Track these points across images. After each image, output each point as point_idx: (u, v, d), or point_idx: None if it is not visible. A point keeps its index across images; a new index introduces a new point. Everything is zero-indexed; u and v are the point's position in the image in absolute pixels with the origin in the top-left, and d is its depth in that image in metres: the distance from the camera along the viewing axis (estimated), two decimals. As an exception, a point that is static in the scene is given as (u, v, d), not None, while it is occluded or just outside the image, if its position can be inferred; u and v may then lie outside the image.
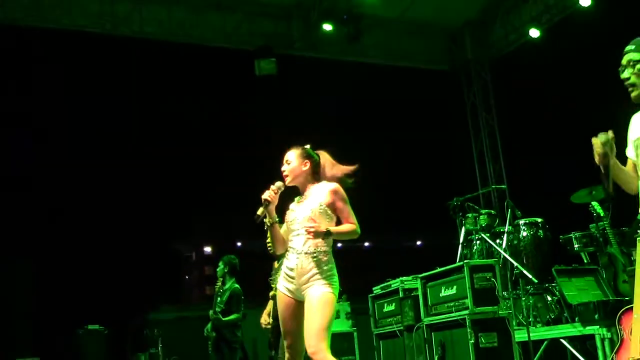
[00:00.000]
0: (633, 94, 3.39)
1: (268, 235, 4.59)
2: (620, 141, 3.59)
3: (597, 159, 3.45)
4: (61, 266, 11.37)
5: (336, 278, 4.31)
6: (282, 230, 4.52)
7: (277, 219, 4.47)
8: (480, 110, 12.76)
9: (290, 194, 4.58)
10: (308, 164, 4.51)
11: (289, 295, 4.36)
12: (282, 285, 4.40)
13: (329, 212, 4.35)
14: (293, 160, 4.51)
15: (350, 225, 4.33)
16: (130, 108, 11.40)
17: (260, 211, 4.38)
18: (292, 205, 4.54)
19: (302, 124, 10.53)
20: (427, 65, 12.79)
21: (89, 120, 11.35)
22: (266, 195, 4.41)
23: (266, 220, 4.42)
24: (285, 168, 4.51)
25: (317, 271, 4.25)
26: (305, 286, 4.26)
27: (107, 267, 12.10)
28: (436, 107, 12.40)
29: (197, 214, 13.55)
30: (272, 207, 4.46)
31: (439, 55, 12.80)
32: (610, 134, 3.41)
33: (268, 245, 6.66)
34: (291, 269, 4.34)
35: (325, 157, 4.61)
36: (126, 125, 11.60)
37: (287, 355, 4.43)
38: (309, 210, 4.34)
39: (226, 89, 11.63)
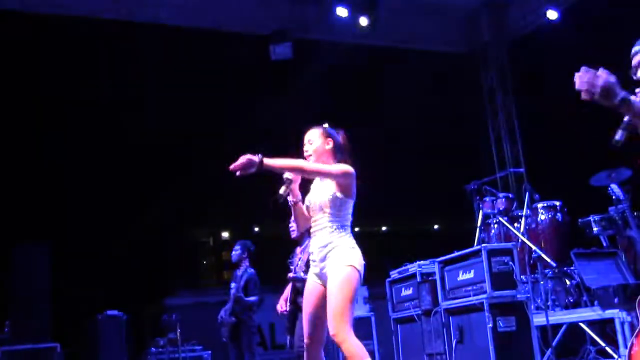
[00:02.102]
0: None
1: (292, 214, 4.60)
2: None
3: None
4: (79, 252, 11.43)
5: (356, 251, 4.30)
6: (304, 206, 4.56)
7: (299, 198, 4.50)
8: (498, 92, 12.67)
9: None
10: (331, 143, 4.51)
11: (316, 280, 4.41)
12: (310, 273, 4.48)
13: (340, 195, 4.34)
14: (315, 140, 4.51)
15: (307, 161, 4.36)
16: (144, 95, 11.39)
17: (282, 190, 4.40)
18: (312, 186, 4.57)
19: (317, 108, 10.48)
20: (443, 48, 12.70)
21: (103, 106, 11.35)
22: (287, 173, 4.42)
23: (289, 198, 4.45)
24: (308, 148, 4.51)
25: (334, 245, 4.27)
26: (325, 262, 4.30)
27: (125, 253, 12.14)
28: (453, 90, 12.30)
29: (214, 199, 13.55)
30: (295, 186, 4.49)
31: (456, 37, 12.70)
32: None
33: (290, 227, 6.71)
34: (312, 253, 4.42)
35: (343, 137, 4.63)
36: (140, 111, 11.59)
37: (305, 343, 4.44)
38: (321, 200, 4.37)
39: (241, 74, 11.60)
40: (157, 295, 11.52)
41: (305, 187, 4.57)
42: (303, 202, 4.53)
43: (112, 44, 10.79)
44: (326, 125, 4.62)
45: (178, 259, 14.37)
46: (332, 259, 4.26)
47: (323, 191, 4.42)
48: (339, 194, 4.33)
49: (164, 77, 11.23)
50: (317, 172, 4.36)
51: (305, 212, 4.53)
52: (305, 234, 6.74)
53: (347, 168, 4.36)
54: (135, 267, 12.09)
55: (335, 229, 4.33)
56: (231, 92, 11.95)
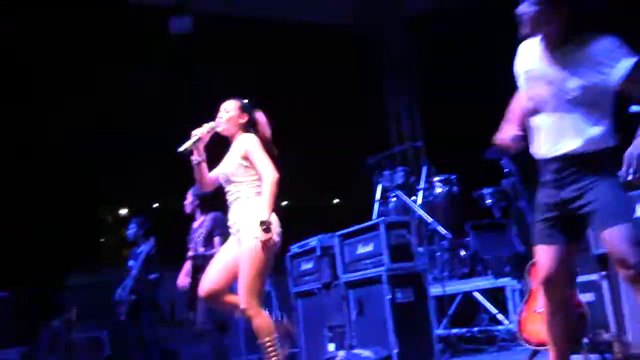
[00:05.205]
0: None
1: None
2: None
3: (502, 141, 3.55)
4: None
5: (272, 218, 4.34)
6: (214, 173, 4.61)
7: (204, 158, 4.53)
8: (396, 67, 12.81)
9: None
10: (246, 118, 4.59)
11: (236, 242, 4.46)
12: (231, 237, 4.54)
13: (246, 164, 4.43)
14: (232, 110, 4.59)
15: (265, 186, 4.32)
16: (41, 74, 10.94)
17: (186, 144, 4.45)
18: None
19: (216, 85, 10.31)
20: (341, 22, 12.69)
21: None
22: (196, 131, 4.49)
23: (193, 157, 4.49)
24: (223, 115, 4.59)
25: (245, 217, 4.37)
26: (239, 234, 4.38)
27: (15, 231, 11.66)
28: (351, 64, 12.35)
29: (111, 175, 13.21)
30: (201, 145, 4.52)
31: (354, 12, 12.69)
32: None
33: (185, 201, 6.71)
34: (231, 223, 4.50)
35: (262, 117, 4.71)
36: (36, 88, 11.13)
37: (200, 294, 4.52)
38: (229, 169, 4.47)
39: (139, 48, 11.27)
40: (51, 274, 11.15)
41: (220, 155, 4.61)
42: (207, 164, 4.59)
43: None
44: (246, 100, 4.69)
45: (74, 236, 13.95)
46: (242, 230, 4.36)
47: (229, 165, 4.51)
48: (244, 162, 4.44)
49: (60, 53, 10.79)
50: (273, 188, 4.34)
51: (206, 175, 4.58)
52: (197, 208, 6.75)
53: (261, 154, 4.42)
54: (27, 246, 11.65)
55: (242, 197, 4.43)
56: (129, 66, 11.57)
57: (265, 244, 4.20)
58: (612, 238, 3.11)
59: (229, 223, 4.52)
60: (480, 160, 7.96)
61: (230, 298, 4.47)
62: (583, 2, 3.31)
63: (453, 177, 8.40)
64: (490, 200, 7.86)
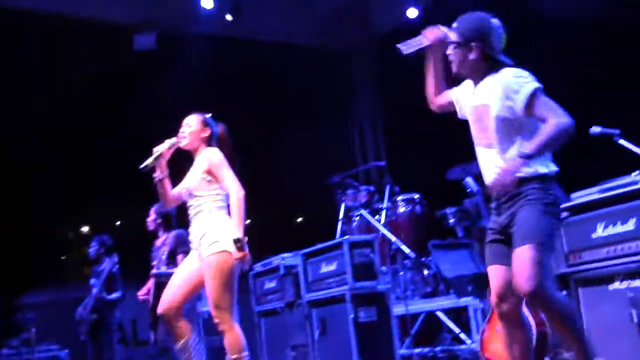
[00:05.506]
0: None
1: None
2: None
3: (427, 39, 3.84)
4: None
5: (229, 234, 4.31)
6: (177, 189, 4.62)
7: (166, 174, 4.55)
8: (360, 86, 12.90)
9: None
10: (208, 132, 4.58)
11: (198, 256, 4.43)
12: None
13: (209, 178, 4.42)
14: (194, 125, 4.58)
15: (233, 203, 4.31)
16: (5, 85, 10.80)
17: (148, 161, 4.45)
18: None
19: (180, 103, 10.28)
20: (305, 41, 12.73)
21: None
22: (158, 147, 4.49)
23: (155, 174, 4.51)
24: (185, 130, 4.57)
25: (206, 231, 4.35)
26: (201, 248, 4.35)
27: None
28: (315, 83, 12.38)
29: (74, 193, 13.04)
30: (163, 161, 4.53)
31: (319, 31, 12.76)
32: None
33: (147, 219, 6.67)
34: (192, 237, 4.48)
35: (223, 130, 4.73)
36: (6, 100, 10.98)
37: (159, 311, 4.49)
38: (192, 183, 4.47)
39: (102, 65, 11.17)
40: (10, 292, 10.96)
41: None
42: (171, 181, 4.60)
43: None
44: (209, 115, 4.69)
45: (35, 254, 13.74)
46: (204, 243, 4.34)
47: (191, 180, 4.51)
48: (207, 177, 4.43)
49: (20, 71, 10.66)
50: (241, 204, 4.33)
51: (169, 191, 4.59)
52: (160, 226, 6.72)
53: (227, 170, 4.41)
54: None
55: (205, 211, 4.42)
56: (92, 84, 11.46)
57: (241, 261, 4.22)
58: (514, 258, 3.23)
59: (190, 237, 4.51)
60: (444, 179, 8.06)
61: (182, 324, 4.45)
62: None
63: (416, 196, 8.46)
64: (453, 220, 7.92)
